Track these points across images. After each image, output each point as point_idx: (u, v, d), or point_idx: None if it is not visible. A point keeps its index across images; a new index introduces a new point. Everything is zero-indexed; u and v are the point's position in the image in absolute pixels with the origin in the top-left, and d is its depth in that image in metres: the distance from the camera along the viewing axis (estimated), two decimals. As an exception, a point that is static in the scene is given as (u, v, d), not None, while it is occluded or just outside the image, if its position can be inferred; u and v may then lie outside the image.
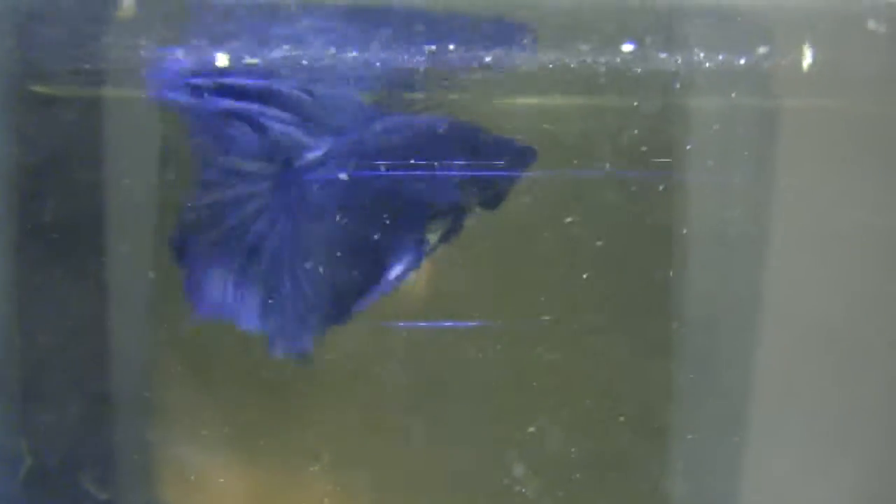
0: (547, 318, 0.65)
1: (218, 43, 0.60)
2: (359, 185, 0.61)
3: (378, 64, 0.60)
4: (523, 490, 0.66)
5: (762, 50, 0.62)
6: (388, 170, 0.61)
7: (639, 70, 0.61)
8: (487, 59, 0.60)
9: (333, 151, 0.61)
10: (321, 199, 0.61)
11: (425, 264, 0.62)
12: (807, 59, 0.62)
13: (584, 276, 0.64)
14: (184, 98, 0.61)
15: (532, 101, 0.63)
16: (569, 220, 0.64)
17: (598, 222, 0.64)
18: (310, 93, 0.61)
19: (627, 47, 0.60)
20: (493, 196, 0.62)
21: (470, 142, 0.61)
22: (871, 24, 0.62)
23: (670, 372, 0.66)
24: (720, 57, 0.62)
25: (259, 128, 0.61)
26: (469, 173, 0.61)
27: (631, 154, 0.64)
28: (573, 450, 0.66)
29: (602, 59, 0.61)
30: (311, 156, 0.61)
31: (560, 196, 0.63)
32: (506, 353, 0.65)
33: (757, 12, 0.63)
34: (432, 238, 0.62)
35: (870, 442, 0.68)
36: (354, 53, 0.60)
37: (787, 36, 0.63)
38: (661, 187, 0.64)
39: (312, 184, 0.61)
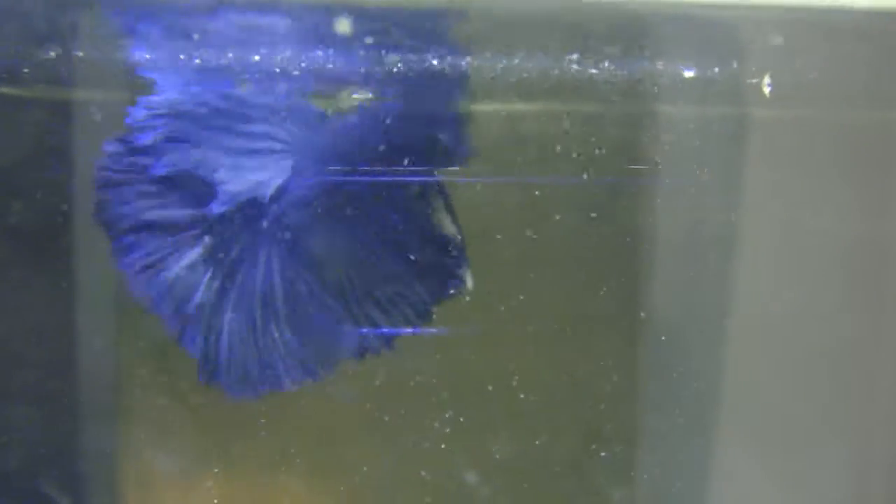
0: (512, 323, 0.64)
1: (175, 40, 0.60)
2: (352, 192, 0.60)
3: (331, 66, 0.60)
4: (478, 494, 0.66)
5: (734, 59, 0.62)
6: (363, 172, 0.60)
7: (611, 77, 0.61)
8: (445, 62, 0.60)
9: (298, 168, 0.61)
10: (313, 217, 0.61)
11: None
12: (777, 71, 0.63)
13: (552, 281, 0.64)
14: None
15: (499, 106, 0.62)
16: (536, 225, 0.63)
17: (567, 228, 0.64)
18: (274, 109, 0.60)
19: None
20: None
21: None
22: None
23: (638, 377, 0.66)
24: (693, 66, 0.62)
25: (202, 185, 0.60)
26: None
27: (601, 160, 0.64)
28: (534, 456, 0.66)
29: (574, 66, 0.61)
30: (274, 184, 0.61)
31: (526, 201, 0.63)
32: (470, 359, 0.65)
33: (730, 23, 0.63)
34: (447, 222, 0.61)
35: (839, 446, 0.68)
36: (305, 56, 0.60)
37: (759, 47, 0.63)
38: (631, 193, 0.64)
39: (292, 206, 0.61)
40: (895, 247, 0.67)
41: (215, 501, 0.66)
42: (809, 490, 0.68)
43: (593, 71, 0.61)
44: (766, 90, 0.61)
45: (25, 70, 0.61)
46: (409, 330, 0.62)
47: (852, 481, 0.68)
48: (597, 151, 0.63)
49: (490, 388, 0.66)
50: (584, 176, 0.63)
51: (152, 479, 0.66)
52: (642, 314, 0.65)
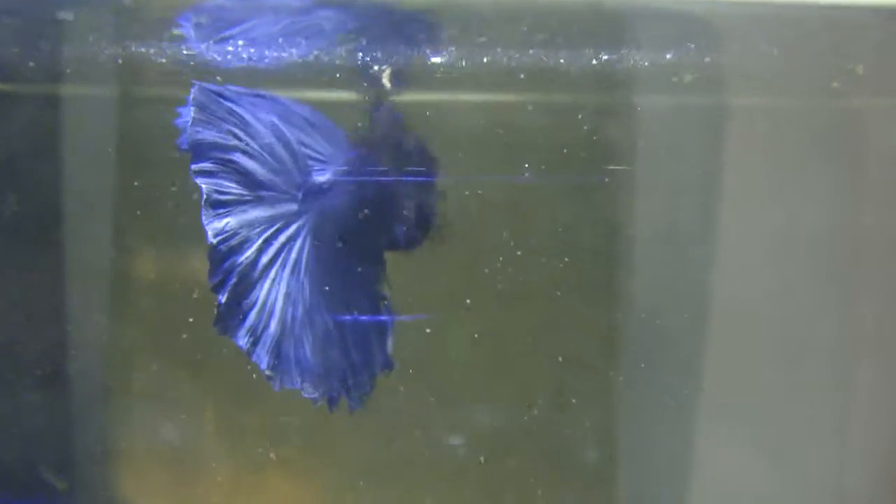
0: (490, 314, 0.65)
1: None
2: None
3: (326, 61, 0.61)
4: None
5: (711, 50, 0.63)
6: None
7: (587, 69, 0.62)
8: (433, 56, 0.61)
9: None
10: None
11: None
12: (754, 60, 0.63)
13: (530, 273, 0.65)
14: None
15: (477, 98, 0.63)
16: (513, 217, 0.64)
17: (544, 220, 0.65)
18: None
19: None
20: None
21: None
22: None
23: (617, 367, 0.67)
24: (669, 56, 0.63)
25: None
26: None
27: (578, 152, 0.64)
28: (518, 446, 0.67)
29: (549, 58, 0.61)
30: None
31: (503, 192, 0.64)
32: (449, 349, 0.65)
33: (706, 13, 0.64)
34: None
35: (820, 425, 0.69)
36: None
37: (735, 37, 0.64)
38: (608, 185, 0.65)
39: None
40: (870, 235, 0.68)
41: (212, 484, 0.67)
42: (789, 476, 0.68)
43: (564, 62, 0.61)
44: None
45: (17, 65, 0.62)
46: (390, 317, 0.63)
47: (833, 459, 0.69)
48: (571, 143, 0.64)
49: (473, 375, 0.66)
50: (558, 167, 0.64)
51: (148, 464, 0.66)
52: (621, 306, 0.66)
